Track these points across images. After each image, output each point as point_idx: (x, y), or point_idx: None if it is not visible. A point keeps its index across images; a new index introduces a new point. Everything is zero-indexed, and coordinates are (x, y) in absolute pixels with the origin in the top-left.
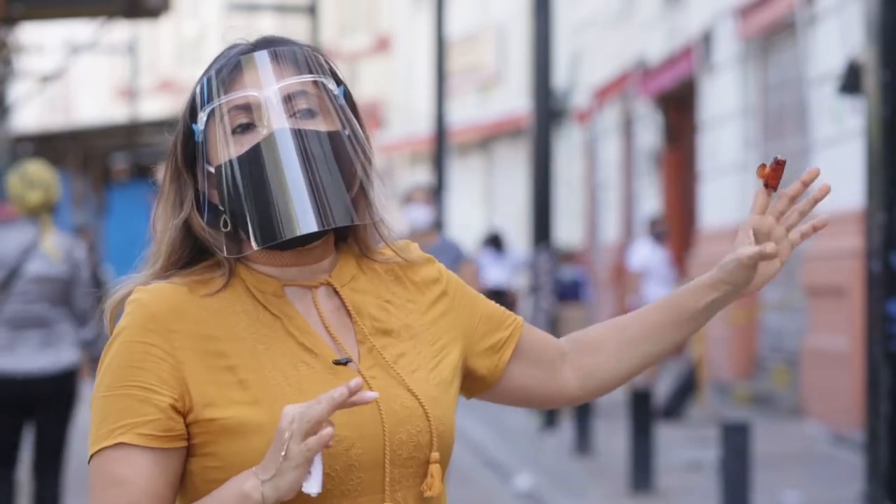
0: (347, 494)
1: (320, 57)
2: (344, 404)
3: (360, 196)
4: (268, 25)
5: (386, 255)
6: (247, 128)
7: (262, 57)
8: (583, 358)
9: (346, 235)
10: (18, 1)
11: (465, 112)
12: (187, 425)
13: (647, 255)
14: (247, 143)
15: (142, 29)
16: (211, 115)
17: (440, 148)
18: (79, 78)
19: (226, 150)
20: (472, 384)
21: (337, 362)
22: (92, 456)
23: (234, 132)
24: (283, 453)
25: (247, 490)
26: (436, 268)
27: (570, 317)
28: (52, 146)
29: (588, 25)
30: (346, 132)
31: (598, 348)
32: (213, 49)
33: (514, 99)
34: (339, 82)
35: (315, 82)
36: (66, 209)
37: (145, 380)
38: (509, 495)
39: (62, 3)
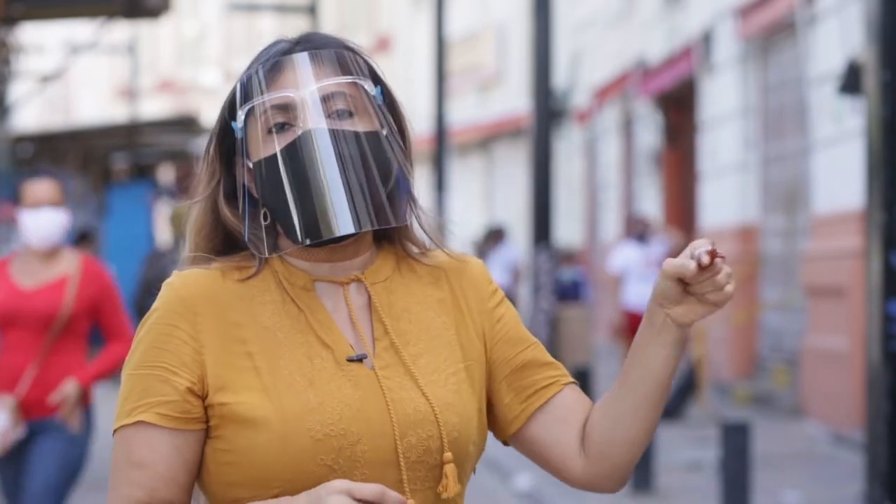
0: None
1: (359, 57)
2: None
3: (400, 197)
4: (268, 25)
5: (431, 257)
6: (283, 127)
7: (301, 58)
8: (588, 431)
9: (390, 235)
10: (18, 1)
11: (465, 112)
12: (205, 408)
13: (626, 256)
14: (283, 142)
15: (142, 29)
16: (250, 112)
17: (440, 148)
18: (79, 78)
19: (263, 148)
20: (491, 420)
21: (351, 359)
22: (115, 431)
23: (270, 131)
24: None
25: None
26: (486, 285)
27: (570, 317)
28: (52, 146)
29: (588, 25)
30: (385, 132)
31: (600, 420)
32: (213, 49)
33: (514, 99)
34: (377, 81)
35: (353, 83)
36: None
37: (167, 361)
38: (509, 495)
39: (62, 3)
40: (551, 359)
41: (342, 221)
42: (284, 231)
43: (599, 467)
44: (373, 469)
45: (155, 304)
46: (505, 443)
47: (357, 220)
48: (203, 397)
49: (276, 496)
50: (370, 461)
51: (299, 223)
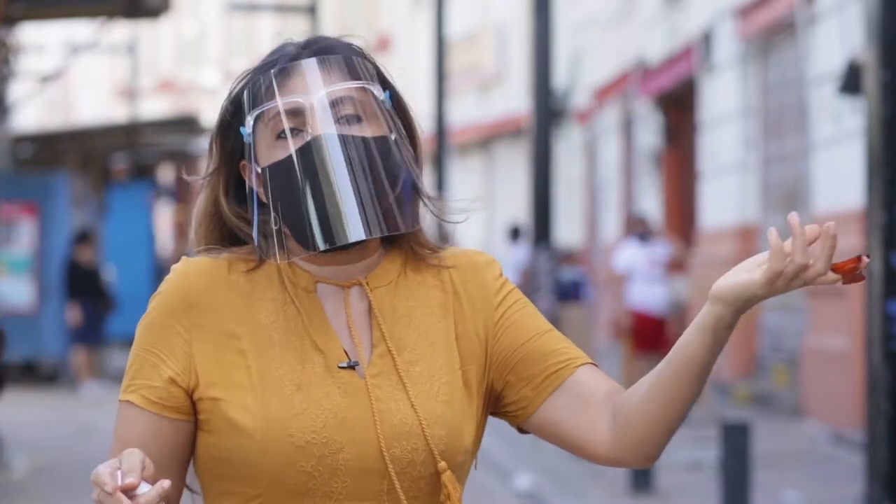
0: (330, 496)
1: (368, 62)
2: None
3: (410, 202)
4: (268, 25)
5: (440, 258)
6: (293, 133)
7: (310, 63)
8: (619, 402)
9: (400, 237)
10: (18, 1)
11: (465, 112)
12: (195, 401)
13: (631, 256)
14: (292, 147)
15: (142, 29)
16: (259, 118)
17: (440, 148)
18: (79, 78)
19: (272, 153)
20: (504, 410)
21: (342, 366)
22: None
23: (279, 137)
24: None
25: None
26: (492, 280)
27: (570, 317)
28: (52, 146)
29: (588, 25)
30: (393, 137)
31: (633, 392)
32: (213, 49)
33: (514, 99)
34: (385, 86)
35: (362, 88)
36: (65, 209)
37: (158, 348)
38: (509, 495)
39: (62, 3)
40: (565, 343)
41: (353, 228)
42: (295, 237)
43: (624, 439)
44: (354, 478)
45: (160, 288)
46: (520, 429)
47: (367, 226)
48: (189, 389)
49: (258, 496)
50: (352, 470)
51: (310, 230)
